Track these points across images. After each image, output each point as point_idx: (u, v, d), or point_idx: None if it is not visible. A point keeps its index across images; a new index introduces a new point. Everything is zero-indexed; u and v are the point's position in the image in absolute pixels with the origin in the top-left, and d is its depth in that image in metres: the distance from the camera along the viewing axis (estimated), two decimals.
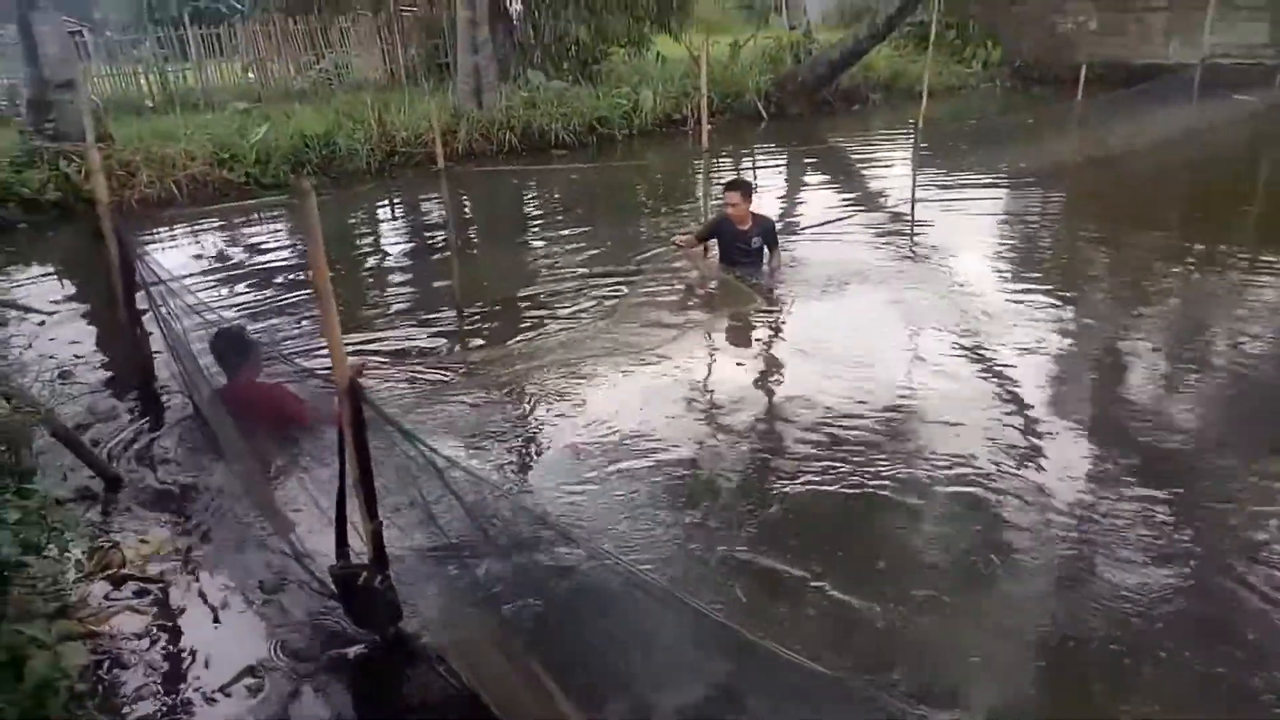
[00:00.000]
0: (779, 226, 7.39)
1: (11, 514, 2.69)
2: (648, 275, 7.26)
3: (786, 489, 4.09)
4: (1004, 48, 19.32)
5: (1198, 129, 12.06)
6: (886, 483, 4.07)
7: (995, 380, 5.18)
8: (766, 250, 6.99)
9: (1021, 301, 6.44)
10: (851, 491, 4.05)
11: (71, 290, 8.00)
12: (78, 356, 6.04)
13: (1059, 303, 6.37)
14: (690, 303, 6.77)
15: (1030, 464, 4.22)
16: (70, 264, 8.82)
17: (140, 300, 5.25)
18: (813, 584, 3.37)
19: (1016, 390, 5.01)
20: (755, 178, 12.72)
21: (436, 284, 7.60)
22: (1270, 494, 3.90)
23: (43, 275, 8.42)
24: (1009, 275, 7.20)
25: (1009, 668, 3.00)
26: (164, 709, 2.89)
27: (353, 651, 3.10)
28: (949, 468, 4.17)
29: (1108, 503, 3.85)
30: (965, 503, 3.91)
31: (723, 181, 7.46)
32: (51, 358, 5.76)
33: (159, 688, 2.98)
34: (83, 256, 8.50)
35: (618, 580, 3.18)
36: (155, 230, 9.87)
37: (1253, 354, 5.48)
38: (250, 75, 16.52)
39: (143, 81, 15.69)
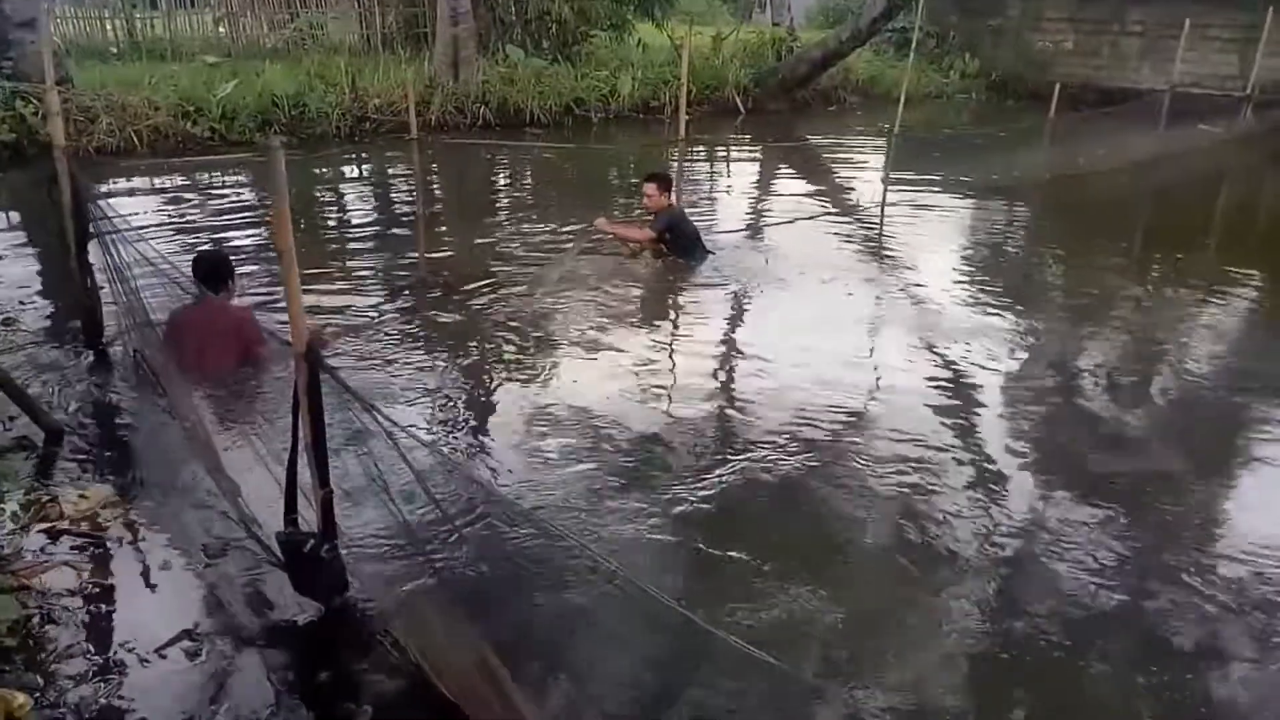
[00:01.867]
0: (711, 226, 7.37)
1: None
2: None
3: (729, 480, 4.09)
4: (982, 60, 19.52)
5: (1164, 155, 12.29)
6: (829, 483, 4.10)
7: (947, 387, 5.24)
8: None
9: (979, 311, 6.53)
10: (792, 489, 4.08)
11: (20, 235, 7.74)
12: (23, 303, 5.86)
13: (1016, 315, 6.46)
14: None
15: (977, 471, 4.27)
16: (20, 208, 8.54)
17: (91, 250, 5.09)
18: (753, 579, 3.38)
19: (968, 397, 5.08)
20: (729, 170, 12.76)
21: (401, 252, 7.50)
22: (1217, 510, 4.00)
23: None
24: (969, 284, 7.28)
25: (942, 673, 3.04)
26: (95, 668, 2.81)
27: (295, 620, 3.05)
28: (893, 471, 4.20)
29: (1054, 514, 3.91)
30: (908, 507, 3.93)
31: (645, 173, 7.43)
32: None
33: (91, 646, 2.90)
34: (34, 201, 8.21)
35: (568, 558, 3.17)
36: (112, 179, 9.58)
37: (1200, 374, 5.63)
38: (221, 29, 16.08)
39: (109, 26, 15.21)
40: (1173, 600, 3.36)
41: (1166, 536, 3.80)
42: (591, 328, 5.84)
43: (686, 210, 7.65)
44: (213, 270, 4.70)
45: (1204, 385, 5.50)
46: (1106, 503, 3.97)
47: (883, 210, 8.97)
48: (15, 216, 8.33)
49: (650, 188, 7.00)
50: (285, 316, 2.61)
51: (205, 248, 4.68)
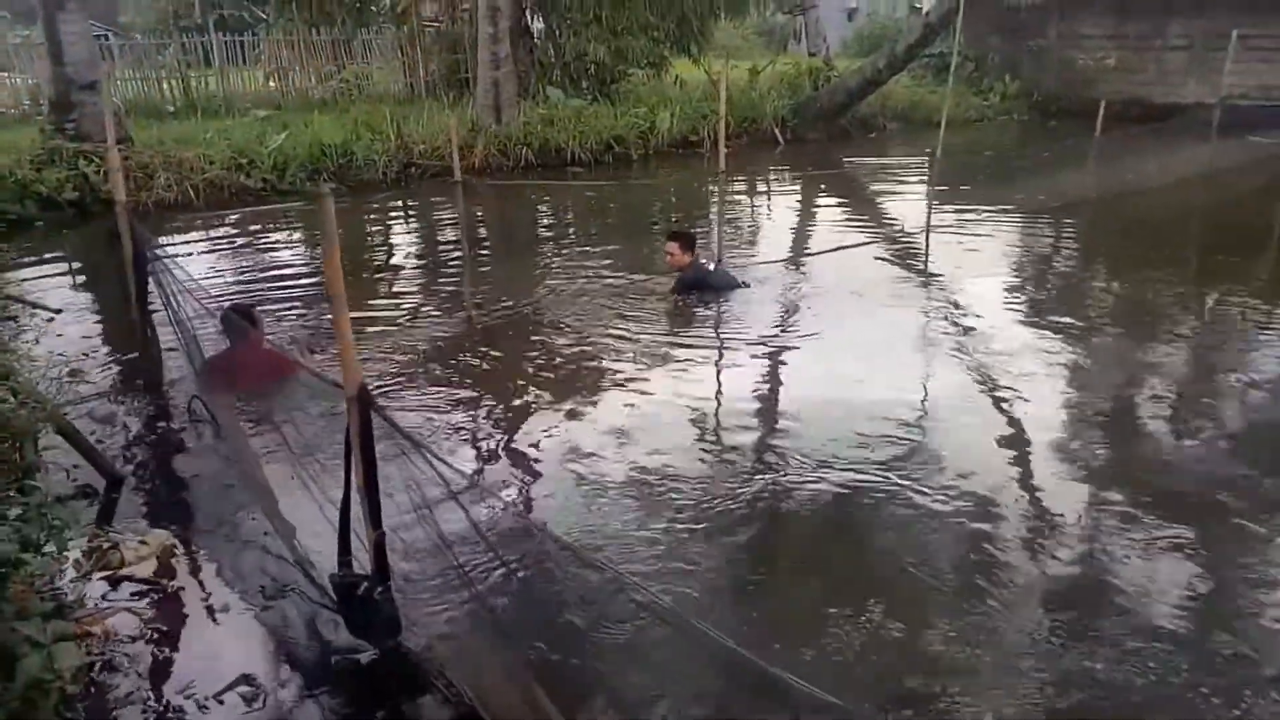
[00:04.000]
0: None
1: (12, 510, 2.65)
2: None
3: (777, 511, 4.05)
4: (1022, 81, 19.36)
5: (1215, 169, 12.02)
6: (879, 511, 4.02)
7: (1001, 412, 5.12)
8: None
9: (1032, 334, 6.39)
10: (841, 518, 4.02)
11: (84, 289, 8.01)
12: (86, 354, 6.03)
13: (1069, 338, 6.31)
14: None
15: (1034, 497, 4.16)
16: (84, 263, 8.85)
17: (152, 301, 5.25)
18: (817, 607, 3.31)
19: (1022, 422, 4.95)
20: (770, 200, 12.76)
21: (448, 293, 7.60)
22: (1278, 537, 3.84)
23: (56, 273, 8.43)
24: (1021, 308, 7.15)
25: (1006, 698, 2.93)
26: (155, 715, 2.84)
27: (351, 663, 3.05)
28: (951, 496, 4.11)
29: (1113, 539, 3.78)
30: (966, 532, 3.84)
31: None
32: (60, 354, 5.74)
33: (151, 692, 2.93)
34: (96, 256, 8.52)
35: (625, 600, 3.13)
36: (171, 232, 9.90)
37: (1263, 392, 5.42)
38: (271, 83, 16.64)
39: (165, 86, 15.83)
40: (1249, 623, 3.21)
41: (1235, 557, 3.64)
42: (636, 363, 5.84)
43: (725, 246, 7.65)
44: (238, 319, 5.03)
45: (1267, 403, 5.30)
46: (1170, 525, 3.83)
47: (928, 235, 8.86)
48: (79, 270, 8.63)
49: (673, 246, 7.00)
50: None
51: (233, 304, 5.16)
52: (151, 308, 5.74)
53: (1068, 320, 6.67)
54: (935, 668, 3.03)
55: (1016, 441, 4.75)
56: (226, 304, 5.26)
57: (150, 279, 5.52)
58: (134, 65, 16.05)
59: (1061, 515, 3.96)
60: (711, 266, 7.31)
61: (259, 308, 5.85)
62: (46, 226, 9.97)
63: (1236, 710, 2.84)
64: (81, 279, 8.35)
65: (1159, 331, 6.57)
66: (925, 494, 4.13)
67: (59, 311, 6.77)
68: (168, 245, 9.17)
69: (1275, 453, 4.69)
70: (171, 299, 5.04)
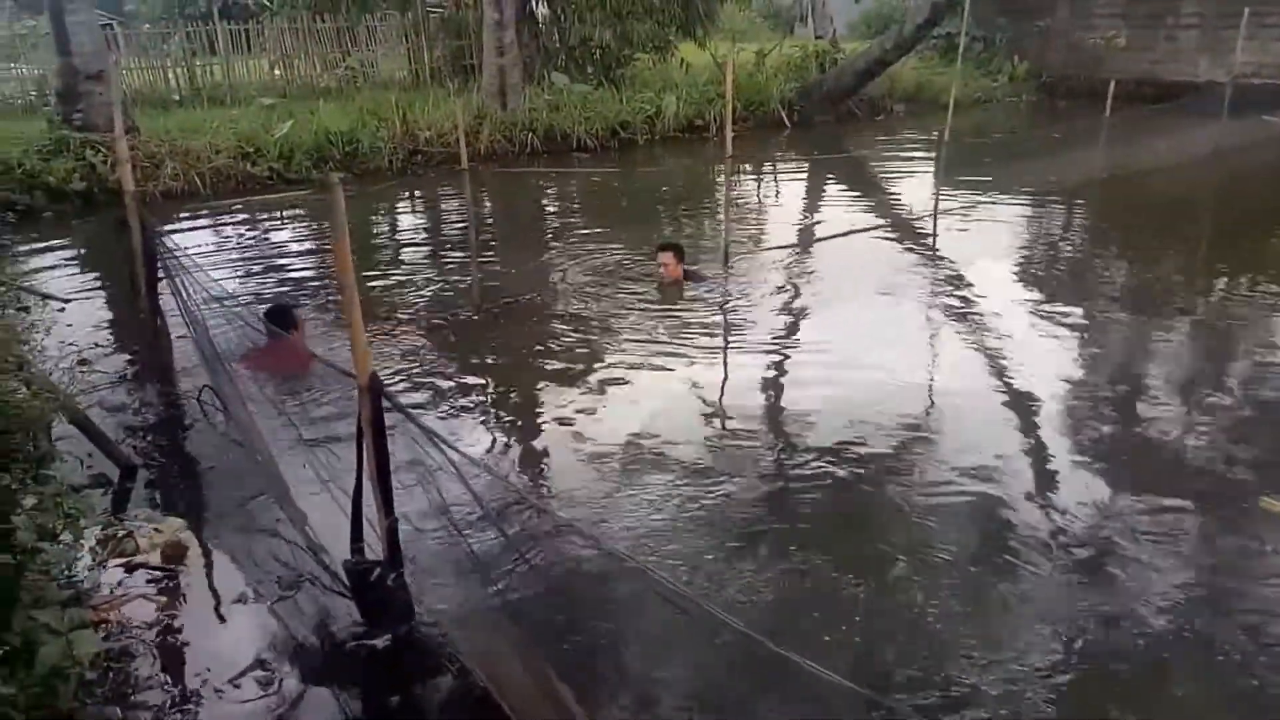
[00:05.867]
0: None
1: (28, 500, 2.67)
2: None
3: (799, 494, 4.06)
4: (1031, 62, 19.18)
5: (1227, 148, 11.91)
6: (898, 493, 4.03)
7: (1011, 395, 5.11)
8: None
9: (1043, 317, 6.36)
10: (860, 499, 4.03)
11: (93, 278, 8.04)
12: (97, 344, 6.06)
13: (1080, 321, 6.28)
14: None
15: (1044, 481, 4.16)
16: (92, 252, 8.88)
17: (161, 290, 5.27)
18: (826, 591, 3.33)
19: (1032, 406, 4.94)
20: (778, 184, 12.71)
21: (455, 280, 7.60)
22: None
23: (65, 263, 8.47)
24: (1031, 291, 7.11)
25: (1016, 682, 2.94)
26: (172, 700, 2.87)
27: (364, 649, 3.07)
28: (961, 481, 4.11)
29: (1123, 525, 3.77)
30: (976, 517, 3.84)
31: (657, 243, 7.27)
32: (71, 344, 5.78)
33: (168, 678, 2.96)
34: (105, 245, 8.54)
35: (637, 585, 3.15)
36: (179, 221, 9.91)
37: (1274, 377, 5.39)
38: (277, 72, 16.60)
39: (171, 75, 15.81)
40: (1250, 606, 3.22)
41: (1239, 543, 3.64)
42: (645, 349, 5.83)
43: (732, 231, 7.58)
44: (279, 317, 5.25)
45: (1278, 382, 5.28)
46: (1178, 510, 3.83)
47: (935, 218, 8.82)
48: (88, 260, 8.66)
49: (668, 257, 6.85)
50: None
51: (274, 300, 5.27)
52: (160, 297, 5.76)
53: (1077, 302, 6.65)
54: (944, 652, 3.04)
55: (1027, 424, 4.75)
56: (269, 302, 5.57)
57: (159, 268, 5.54)
58: (139, 54, 16.03)
59: (1070, 501, 3.95)
60: (707, 274, 7.16)
61: (264, 294, 5.87)
62: (54, 217, 10.01)
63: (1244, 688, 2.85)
64: (90, 269, 8.38)
65: (1169, 312, 6.54)
66: (931, 479, 4.14)
67: (68, 302, 6.80)
68: (175, 234, 9.20)
69: None
70: (181, 288, 5.06)
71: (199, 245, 8.89)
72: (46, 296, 6.72)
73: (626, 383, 5.37)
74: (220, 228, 10.02)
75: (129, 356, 5.88)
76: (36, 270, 7.93)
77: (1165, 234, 8.82)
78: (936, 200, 9.00)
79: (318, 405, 4.83)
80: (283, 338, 4.98)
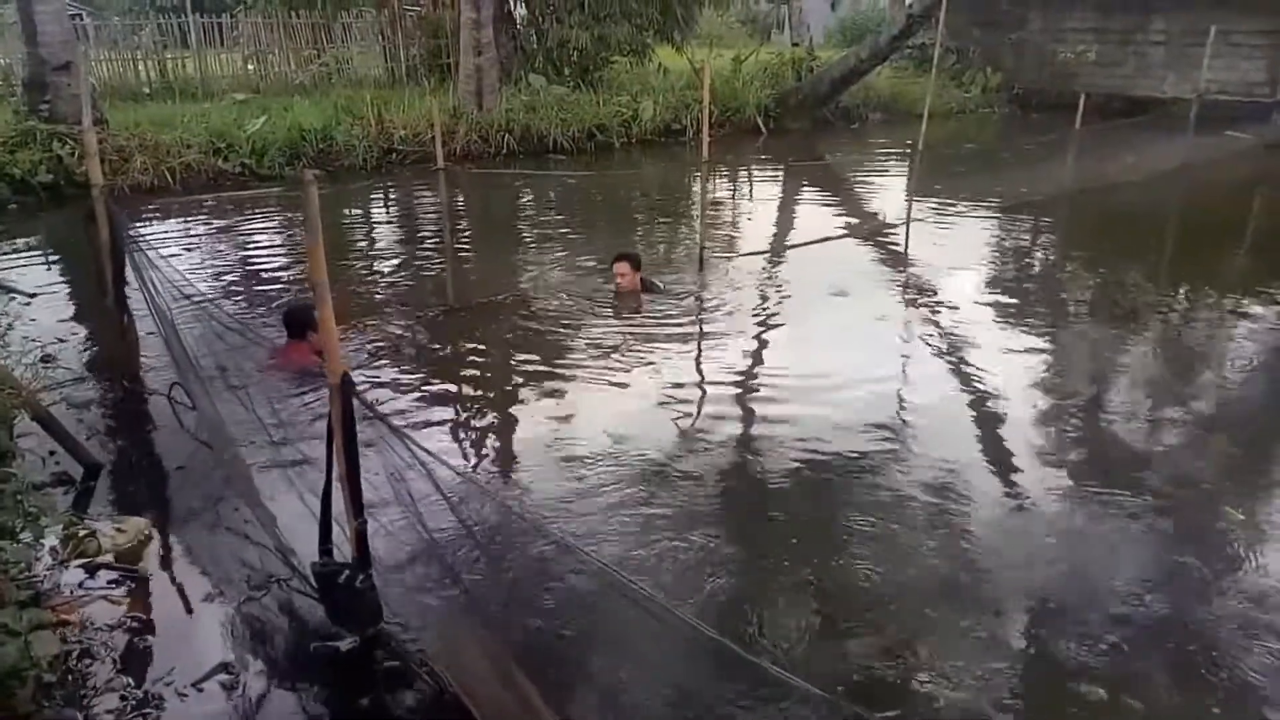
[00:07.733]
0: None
1: None
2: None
3: (753, 500, 4.10)
4: (1003, 74, 19.44)
5: (1193, 163, 12.14)
6: (864, 500, 4.06)
7: (977, 404, 5.17)
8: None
9: (1010, 327, 6.46)
10: (828, 506, 4.05)
11: (58, 273, 7.90)
12: (61, 339, 5.96)
13: (1047, 330, 6.38)
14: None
15: (1009, 488, 4.22)
16: (58, 246, 8.73)
17: (129, 285, 5.19)
18: (795, 597, 3.34)
19: (996, 414, 5.01)
20: (753, 190, 12.78)
21: (429, 281, 7.56)
22: (1249, 525, 3.90)
23: (30, 256, 8.31)
24: (999, 301, 7.20)
25: (982, 683, 2.97)
26: (133, 702, 2.82)
27: (331, 651, 3.03)
28: (926, 488, 4.15)
29: (1089, 529, 3.84)
30: (942, 523, 3.88)
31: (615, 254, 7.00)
32: (35, 340, 5.66)
33: (129, 680, 2.91)
34: (72, 239, 8.39)
35: (604, 586, 3.14)
36: (147, 216, 9.76)
37: (1233, 388, 5.52)
38: (250, 67, 16.42)
39: (141, 68, 15.57)
40: (1211, 612, 3.28)
41: (1203, 546, 3.71)
42: (617, 353, 5.83)
43: (708, 236, 7.60)
44: (299, 317, 5.27)
45: (1239, 397, 5.39)
46: (1141, 516, 3.91)
47: (908, 227, 8.90)
48: (54, 255, 8.51)
49: (624, 267, 6.70)
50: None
51: (295, 301, 5.97)
52: (128, 292, 5.67)
53: (1044, 311, 6.75)
54: (905, 648, 3.07)
55: (991, 427, 4.81)
56: (291, 302, 5.84)
57: (127, 263, 5.45)
58: (109, 46, 15.79)
59: (1035, 498, 4.04)
60: (661, 285, 7.02)
61: (235, 291, 5.81)
62: (20, 209, 9.82)
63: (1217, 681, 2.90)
64: (56, 263, 8.24)
65: (1134, 322, 6.65)
66: (899, 478, 4.19)
67: (34, 296, 6.68)
68: (144, 229, 9.06)
69: (1243, 440, 4.78)
70: (149, 284, 4.99)
71: (168, 241, 8.77)
72: (11, 290, 6.61)
73: (597, 383, 5.38)
74: (190, 224, 9.88)
75: (95, 353, 5.78)
76: (0, 263, 7.78)
77: (1131, 245, 8.97)
78: (909, 209, 9.09)
79: (289, 405, 4.77)
80: (299, 337, 5.16)
